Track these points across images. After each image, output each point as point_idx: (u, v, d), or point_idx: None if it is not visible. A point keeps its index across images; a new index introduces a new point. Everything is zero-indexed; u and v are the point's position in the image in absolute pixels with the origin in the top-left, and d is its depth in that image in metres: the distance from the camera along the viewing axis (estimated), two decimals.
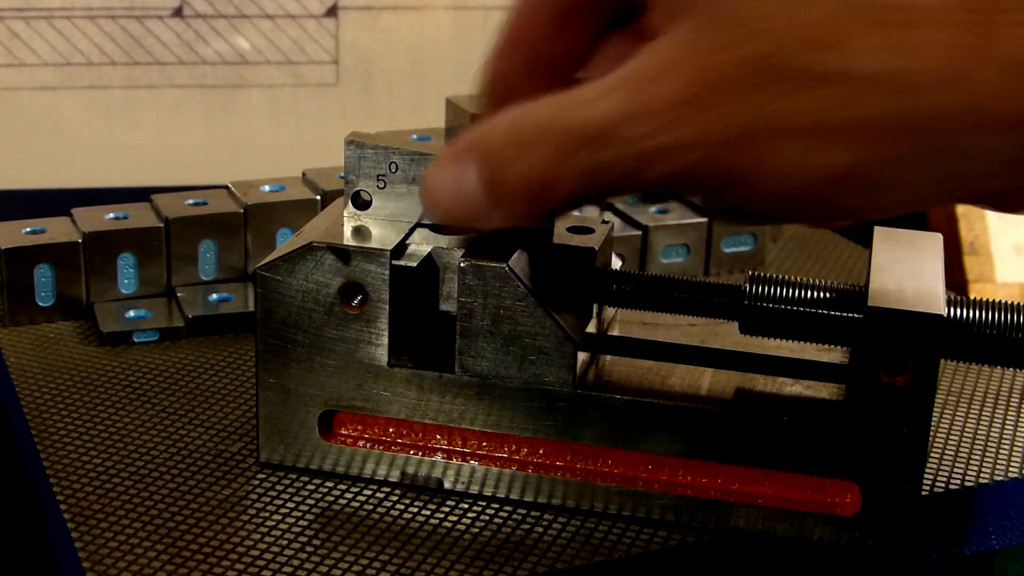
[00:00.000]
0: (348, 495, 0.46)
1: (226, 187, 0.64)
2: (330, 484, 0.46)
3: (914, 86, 0.33)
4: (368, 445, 0.46)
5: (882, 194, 0.35)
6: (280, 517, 0.44)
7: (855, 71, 0.34)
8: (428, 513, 0.45)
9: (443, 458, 0.46)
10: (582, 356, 0.45)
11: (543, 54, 0.42)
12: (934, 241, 0.47)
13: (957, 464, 0.49)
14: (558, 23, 0.41)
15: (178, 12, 0.84)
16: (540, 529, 0.44)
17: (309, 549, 0.43)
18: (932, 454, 0.49)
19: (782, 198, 0.36)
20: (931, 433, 0.50)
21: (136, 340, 0.57)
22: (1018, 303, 0.43)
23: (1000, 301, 0.43)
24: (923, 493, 0.47)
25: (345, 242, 0.44)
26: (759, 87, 0.34)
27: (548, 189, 0.38)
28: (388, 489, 0.46)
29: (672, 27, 0.36)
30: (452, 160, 0.40)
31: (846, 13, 0.34)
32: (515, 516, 0.45)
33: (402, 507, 0.45)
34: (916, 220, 0.86)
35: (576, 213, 0.50)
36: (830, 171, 0.35)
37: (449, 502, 0.46)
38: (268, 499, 0.45)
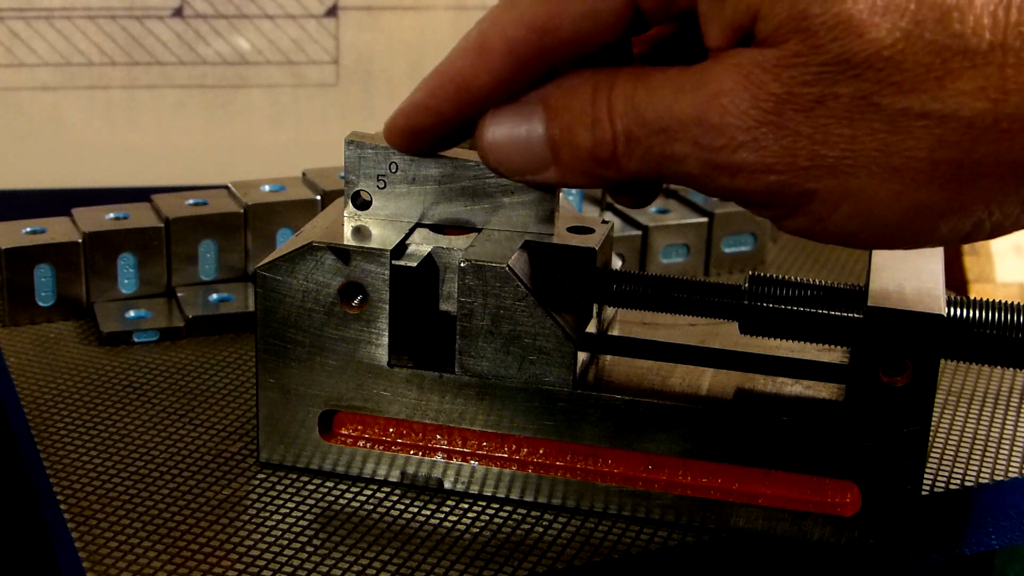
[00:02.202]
0: (348, 495, 0.46)
1: (226, 187, 0.64)
2: (330, 484, 0.46)
3: (1012, 126, 0.34)
4: (368, 445, 0.46)
5: (972, 224, 0.36)
6: (280, 517, 0.44)
7: (955, 113, 0.35)
8: (428, 513, 0.45)
9: (443, 458, 0.46)
10: (582, 356, 0.45)
11: (499, 98, 0.41)
12: None
13: (957, 464, 0.49)
14: (525, 72, 0.41)
15: (178, 12, 0.84)
16: (540, 529, 0.44)
17: (309, 549, 0.43)
18: (932, 454, 0.49)
19: (871, 227, 0.37)
20: (931, 433, 0.50)
21: (136, 340, 0.57)
22: (1018, 303, 0.43)
23: (1000, 301, 0.43)
24: (923, 493, 0.47)
25: (345, 242, 0.44)
26: (855, 121, 0.35)
27: (612, 162, 0.39)
28: (388, 489, 0.46)
29: (753, 47, 0.37)
30: (520, 110, 0.40)
31: (946, 55, 0.34)
32: (515, 516, 0.45)
33: (402, 507, 0.45)
34: None
35: (576, 213, 0.50)
36: (922, 206, 0.36)
37: (449, 502, 0.46)
38: (268, 499, 0.45)
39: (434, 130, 0.42)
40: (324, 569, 0.42)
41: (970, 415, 0.53)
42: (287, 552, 0.43)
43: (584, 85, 0.39)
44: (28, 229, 0.60)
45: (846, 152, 0.36)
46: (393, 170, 0.45)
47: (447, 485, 0.46)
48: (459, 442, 0.46)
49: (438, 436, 0.46)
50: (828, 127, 0.35)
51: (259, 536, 0.43)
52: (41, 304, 0.59)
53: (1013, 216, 0.36)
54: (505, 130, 0.41)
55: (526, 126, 0.40)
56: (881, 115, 0.35)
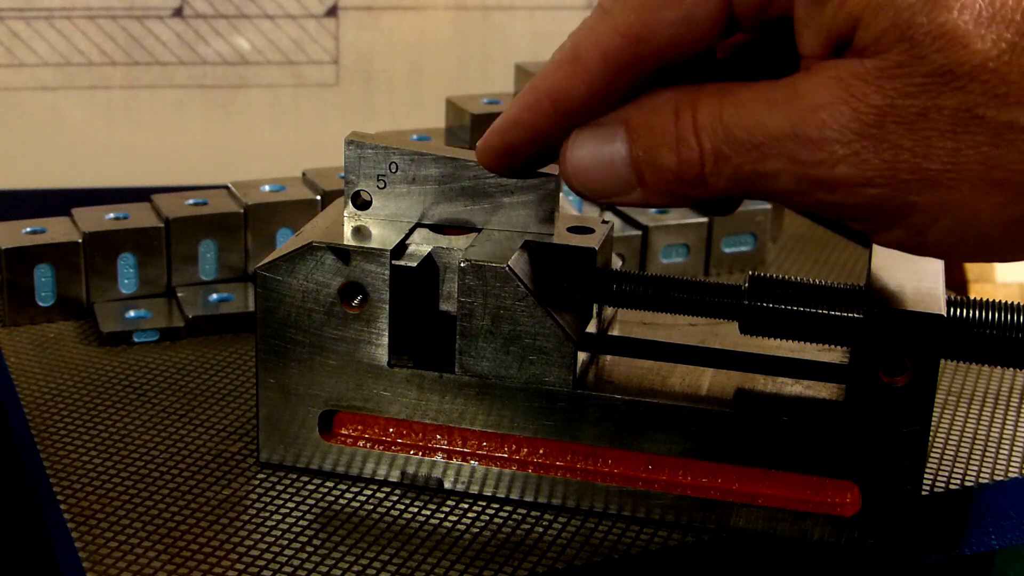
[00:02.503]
0: (348, 495, 0.46)
1: (226, 187, 0.64)
2: (330, 484, 0.46)
3: None
4: (368, 445, 0.46)
5: None
6: (280, 517, 0.44)
7: None
8: (428, 513, 0.45)
9: (443, 458, 0.46)
10: (582, 356, 0.45)
11: (596, 111, 0.41)
12: None
13: (957, 464, 0.49)
14: (622, 85, 0.40)
15: (178, 12, 0.84)
16: (540, 529, 0.44)
17: (309, 549, 0.43)
18: (932, 454, 0.49)
19: (972, 240, 0.37)
20: (931, 433, 0.50)
21: (136, 340, 0.57)
22: (1018, 303, 0.43)
23: (1000, 301, 0.43)
24: (923, 493, 0.47)
25: (345, 242, 0.44)
26: (958, 134, 0.35)
27: (699, 181, 0.38)
28: (388, 489, 0.46)
29: (850, 58, 0.36)
30: (602, 132, 0.40)
31: None
32: (515, 516, 0.45)
33: (402, 507, 0.45)
34: None
35: (576, 213, 0.50)
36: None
37: (449, 502, 0.46)
38: (268, 499, 0.45)
39: (529, 147, 0.42)
40: (324, 569, 0.42)
41: (970, 415, 0.53)
42: (287, 552, 0.43)
43: (666, 104, 0.39)
44: (28, 229, 0.60)
45: (948, 165, 0.35)
46: (393, 170, 0.45)
47: (447, 485, 0.46)
48: (459, 442, 0.46)
49: (438, 436, 0.46)
50: (930, 140, 0.35)
51: (259, 536, 0.43)
52: (41, 304, 0.59)
53: None
54: (588, 153, 0.40)
55: (609, 148, 0.40)
56: (985, 128, 0.35)
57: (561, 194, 0.50)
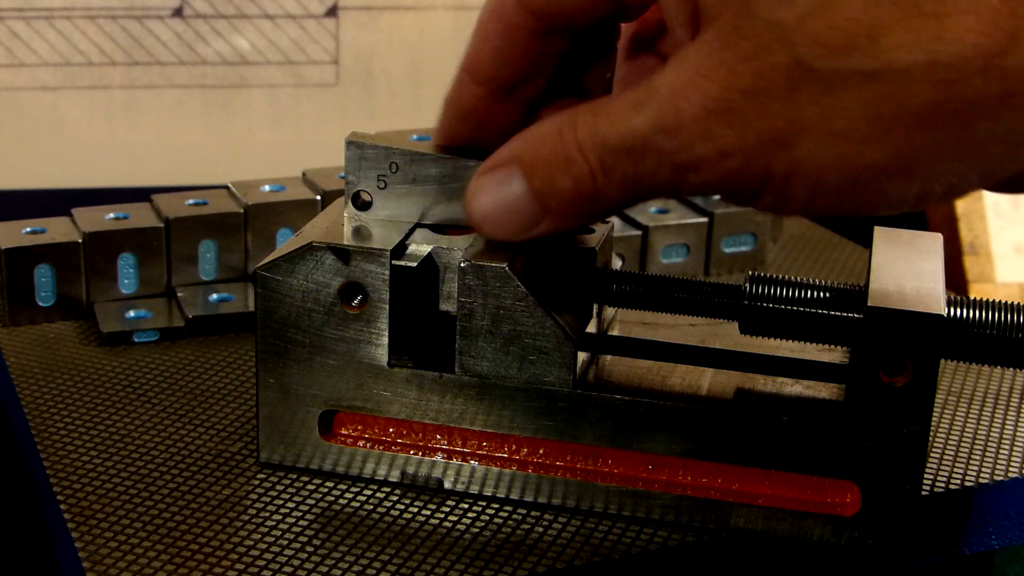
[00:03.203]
0: (348, 495, 0.46)
1: (226, 187, 0.64)
2: (330, 484, 0.46)
3: (950, 75, 0.34)
4: (368, 445, 0.46)
5: (920, 184, 0.36)
6: (280, 517, 0.44)
7: (890, 67, 0.34)
8: (428, 513, 0.45)
9: (443, 458, 0.46)
10: (582, 356, 0.45)
11: (505, 77, 0.43)
12: (934, 241, 0.47)
13: (957, 464, 0.49)
14: (519, 46, 0.43)
15: (178, 12, 0.84)
16: (540, 529, 0.44)
17: (309, 549, 0.43)
18: (932, 454, 0.49)
19: (823, 195, 0.37)
20: (931, 433, 0.50)
21: (136, 340, 0.57)
22: (1018, 303, 0.43)
23: (1000, 301, 0.43)
24: (923, 493, 0.47)
25: (345, 242, 0.44)
26: (794, 90, 0.35)
27: (598, 195, 0.39)
28: (388, 489, 0.46)
29: (697, 38, 0.37)
30: (495, 174, 0.41)
31: (877, 10, 0.34)
32: (515, 516, 0.45)
33: (402, 507, 0.45)
34: (916, 220, 0.86)
35: None
36: (870, 166, 0.35)
37: (449, 502, 0.46)
38: (268, 499, 0.45)
39: (462, 124, 0.44)
40: (324, 569, 0.42)
41: (970, 415, 0.53)
42: (287, 552, 0.43)
43: (550, 131, 0.40)
44: (28, 229, 0.60)
45: (789, 123, 0.35)
46: (393, 170, 0.45)
47: (447, 485, 0.46)
48: (459, 442, 0.46)
49: (438, 436, 0.46)
50: (770, 101, 0.35)
51: (259, 536, 0.43)
52: (41, 304, 0.59)
53: (961, 173, 0.36)
54: (491, 199, 0.41)
55: (508, 188, 0.41)
56: (817, 79, 0.35)
57: None
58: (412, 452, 0.46)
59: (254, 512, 0.45)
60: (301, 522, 0.44)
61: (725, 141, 0.36)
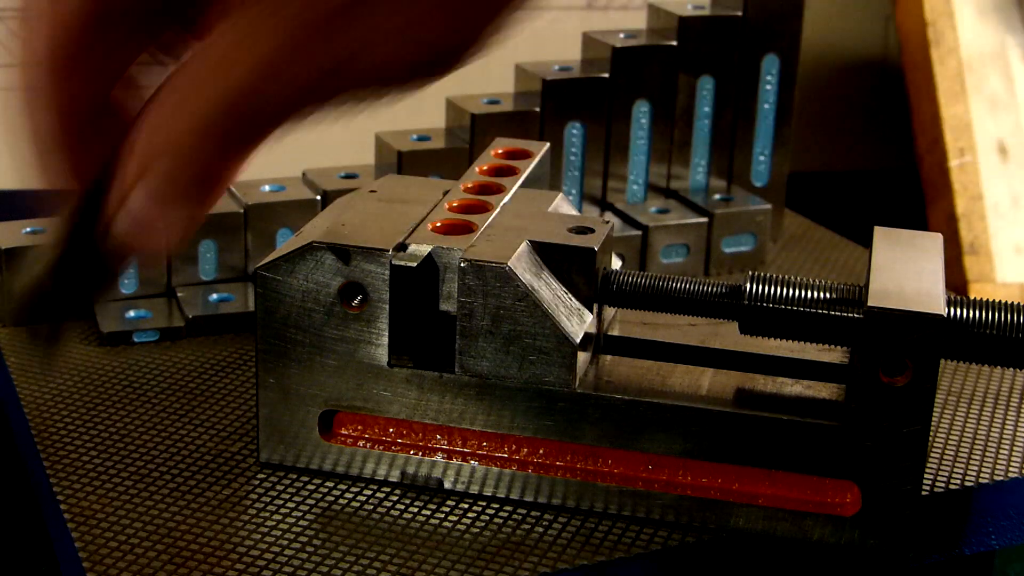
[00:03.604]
0: (348, 495, 0.46)
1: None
2: (330, 484, 0.46)
3: None
4: (368, 445, 0.46)
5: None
6: (280, 517, 0.44)
7: None
8: (428, 513, 0.45)
9: (443, 458, 0.46)
10: (582, 356, 0.45)
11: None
12: (934, 241, 0.47)
13: (957, 464, 0.49)
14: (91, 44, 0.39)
15: None
16: (540, 529, 0.44)
17: (309, 549, 0.43)
18: (932, 454, 0.49)
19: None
20: (931, 433, 0.50)
21: (136, 340, 0.57)
22: (1018, 303, 0.43)
23: (1000, 301, 0.43)
24: (923, 493, 0.47)
25: (345, 242, 0.44)
26: None
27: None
28: (388, 489, 0.46)
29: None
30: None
31: None
32: (515, 516, 0.45)
33: (402, 507, 0.45)
34: (916, 220, 0.86)
35: (575, 213, 0.50)
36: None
37: (449, 502, 0.46)
38: (268, 499, 0.45)
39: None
40: (324, 569, 0.42)
41: (970, 415, 0.53)
42: (287, 552, 0.43)
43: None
44: (28, 229, 0.60)
45: None
46: None
47: (447, 485, 0.46)
48: (459, 442, 0.46)
49: (438, 436, 0.46)
50: None
51: (259, 536, 0.43)
52: None
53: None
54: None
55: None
56: None
57: (561, 194, 0.50)
58: (412, 452, 0.46)
59: (254, 512, 0.45)
60: (301, 522, 0.44)
61: None
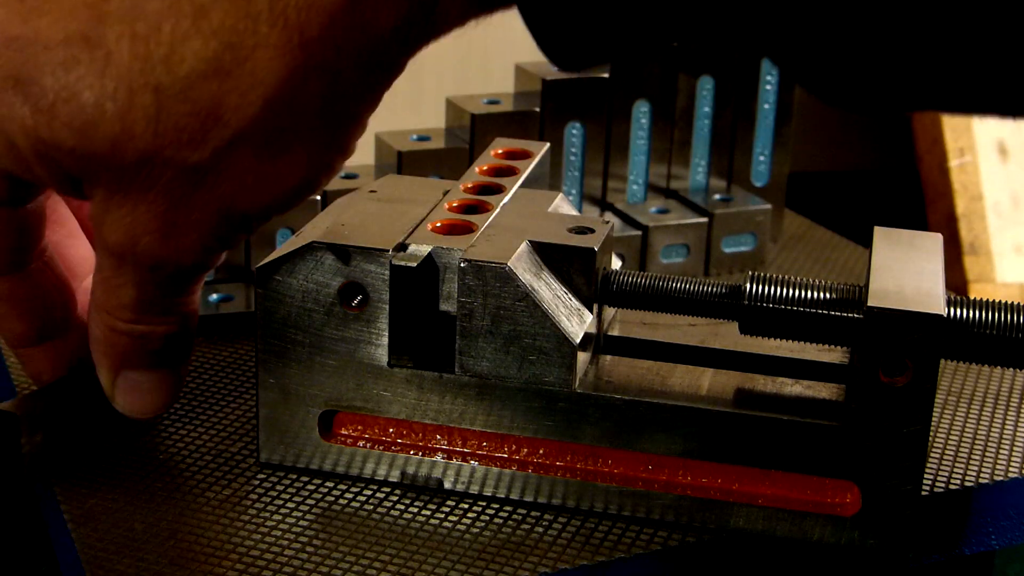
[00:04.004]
0: (348, 495, 0.46)
1: None
2: (330, 484, 0.46)
3: None
4: (368, 445, 0.46)
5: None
6: (280, 517, 0.44)
7: None
8: (428, 513, 0.45)
9: (443, 458, 0.46)
10: (582, 356, 0.45)
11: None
12: (934, 241, 0.47)
13: (957, 464, 0.49)
14: None
15: None
16: (540, 529, 0.44)
17: (309, 549, 0.43)
18: (932, 454, 0.49)
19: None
20: (931, 433, 0.50)
21: None
22: (1018, 303, 0.43)
23: (1000, 301, 0.43)
24: (923, 493, 0.47)
25: (345, 242, 0.44)
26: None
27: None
28: (388, 489, 0.46)
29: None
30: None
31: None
32: (515, 516, 0.45)
33: (402, 507, 0.45)
34: (916, 220, 0.86)
35: (575, 213, 0.50)
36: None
37: (449, 502, 0.46)
38: (268, 499, 0.45)
39: None
40: (324, 569, 0.42)
41: (970, 415, 0.53)
42: (287, 552, 0.43)
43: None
44: None
45: None
46: None
47: (447, 485, 0.46)
48: (459, 442, 0.46)
49: (438, 436, 0.46)
50: None
51: (259, 536, 0.43)
52: None
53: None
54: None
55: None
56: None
57: (561, 194, 0.50)
58: (412, 452, 0.46)
59: (254, 512, 0.45)
60: (301, 522, 0.44)
61: None
